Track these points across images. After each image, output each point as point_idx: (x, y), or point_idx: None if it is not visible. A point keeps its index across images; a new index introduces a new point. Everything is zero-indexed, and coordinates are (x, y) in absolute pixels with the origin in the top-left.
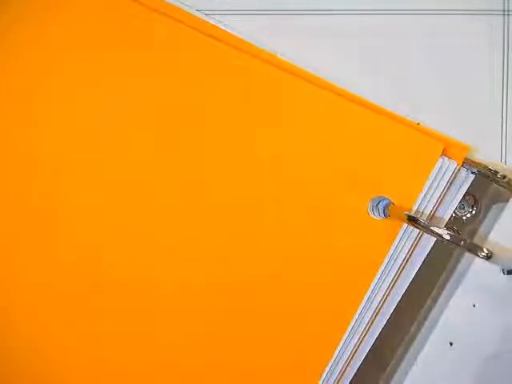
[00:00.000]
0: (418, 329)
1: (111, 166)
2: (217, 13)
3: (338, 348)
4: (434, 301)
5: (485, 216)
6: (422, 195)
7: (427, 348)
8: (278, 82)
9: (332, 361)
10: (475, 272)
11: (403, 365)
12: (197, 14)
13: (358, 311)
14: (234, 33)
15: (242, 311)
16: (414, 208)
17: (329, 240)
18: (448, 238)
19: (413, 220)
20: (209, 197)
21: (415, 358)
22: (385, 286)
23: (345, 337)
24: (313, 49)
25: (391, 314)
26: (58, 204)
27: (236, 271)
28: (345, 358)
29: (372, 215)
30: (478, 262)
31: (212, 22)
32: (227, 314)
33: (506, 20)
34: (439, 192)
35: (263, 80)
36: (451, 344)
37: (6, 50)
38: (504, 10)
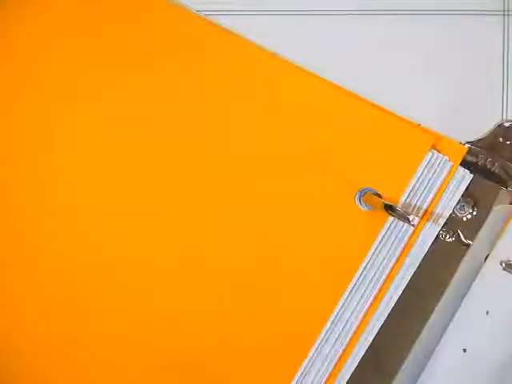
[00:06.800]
0: (428, 335)
1: (108, 173)
2: (217, 13)
3: (313, 348)
4: (445, 306)
5: (485, 217)
6: (409, 188)
7: (436, 355)
8: (278, 80)
9: (307, 360)
10: (488, 277)
11: (410, 372)
12: (197, 14)
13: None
14: (234, 33)
15: (226, 307)
16: (402, 200)
17: (316, 230)
18: (415, 222)
19: (389, 208)
20: (203, 186)
21: (423, 366)
22: (368, 279)
23: (321, 336)
24: (313, 49)
25: (397, 319)
26: (54, 210)
27: (222, 264)
28: (321, 358)
29: (359, 206)
30: (491, 266)
31: (212, 21)
32: (213, 313)
33: (506, 20)
34: (430, 186)
35: (262, 79)
36: (465, 351)
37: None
38: (504, 10)
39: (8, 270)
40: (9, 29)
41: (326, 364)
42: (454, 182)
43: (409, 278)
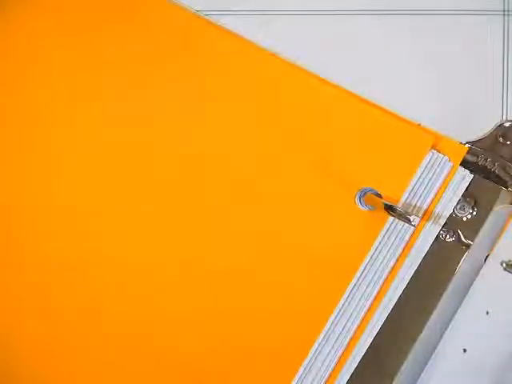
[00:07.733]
0: (428, 335)
1: (108, 173)
2: (217, 13)
3: (313, 348)
4: (445, 306)
5: (485, 217)
6: (410, 188)
7: (436, 356)
8: (278, 80)
9: (307, 360)
10: (488, 278)
11: (410, 372)
12: (196, 13)
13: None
14: (234, 32)
15: (227, 307)
16: (402, 200)
17: (316, 230)
18: (416, 222)
19: (389, 208)
20: (204, 185)
21: (423, 366)
22: (368, 279)
23: (321, 336)
24: (313, 49)
25: (397, 319)
26: (54, 210)
27: (222, 264)
28: (321, 358)
29: (360, 206)
30: (491, 267)
31: (212, 21)
32: (213, 313)
33: (506, 20)
34: (430, 186)
35: (262, 79)
36: (465, 351)
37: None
38: (504, 10)
39: (8, 269)
40: (9, 29)
41: (326, 364)
42: (454, 182)
43: (409, 278)
